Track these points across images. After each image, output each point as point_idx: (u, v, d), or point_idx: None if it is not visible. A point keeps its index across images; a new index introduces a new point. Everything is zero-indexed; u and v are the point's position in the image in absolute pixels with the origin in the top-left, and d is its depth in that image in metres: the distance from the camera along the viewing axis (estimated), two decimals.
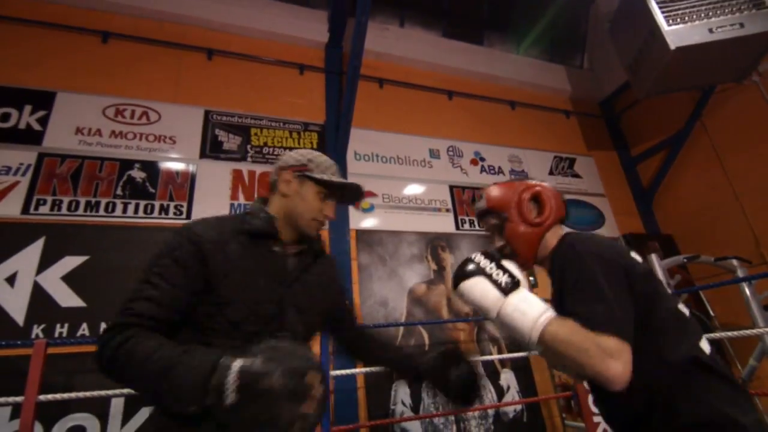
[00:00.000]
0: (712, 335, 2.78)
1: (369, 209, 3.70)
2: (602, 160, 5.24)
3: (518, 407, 3.32)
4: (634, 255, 0.96)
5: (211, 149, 3.42)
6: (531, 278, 3.74)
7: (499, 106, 4.90)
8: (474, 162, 4.39)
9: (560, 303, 0.89)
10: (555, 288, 0.97)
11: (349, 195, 1.13)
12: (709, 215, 4.44)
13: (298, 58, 4.06)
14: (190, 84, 3.59)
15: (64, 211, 2.84)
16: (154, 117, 3.35)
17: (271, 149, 3.61)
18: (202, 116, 3.50)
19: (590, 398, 2.61)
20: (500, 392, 3.33)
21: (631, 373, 0.76)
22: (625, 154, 5.39)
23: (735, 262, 3.47)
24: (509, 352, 3.50)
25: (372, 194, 3.78)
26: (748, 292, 3.27)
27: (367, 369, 2.86)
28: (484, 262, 0.92)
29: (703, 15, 3.16)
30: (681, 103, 4.68)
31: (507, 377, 3.41)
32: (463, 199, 4.11)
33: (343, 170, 3.73)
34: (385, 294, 3.39)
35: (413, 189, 3.96)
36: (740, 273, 3.43)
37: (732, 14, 3.10)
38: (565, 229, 1.08)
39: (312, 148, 3.68)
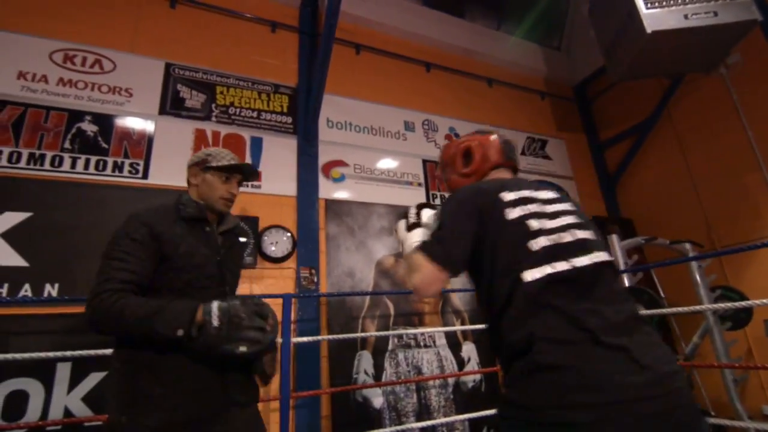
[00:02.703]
0: (662, 311, 2.94)
1: (339, 179, 3.61)
2: (572, 143, 5.33)
3: (477, 378, 3.42)
4: (502, 195, 1.01)
5: (172, 106, 3.20)
6: None
7: (476, 82, 4.85)
8: (449, 137, 4.35)
9: None
10: None
11: (247, 172, 1.44)
12: (668, 202, 4.63)
13: (270, 15, 3.82)
14: (151, 33, 3.31)
15: (3, 162, 2.58)
16: (109, 66, 3.08)
17: (238, 110, 3.42)
18: (162, 69, 3.25)
19: None
20: (461, 363, 3.41)
21: (428, 286, 0.96)
22: (594, 139, 5.51)
23: (688, 245, 3.65)
24: (471, 324, 3.57)
25: (343, 164, 3.68)
26: (697, 274, 3.46)
27: (331, 337, 2.85)
28: (411, 210, 1.24)
29: (680, 0, 3.18)
30: (650, 92, 4.79)
31: (468, 349, 3.49)
32: (435, 174, 4.08)
33: (314, 137, 3.60)
34: (353, 265, 3.35)
35: (386, 161, 3.89)
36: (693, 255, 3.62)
37: (707, 2, 3.14)
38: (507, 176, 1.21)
39: (282, 112, 3.56)
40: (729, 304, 2.61)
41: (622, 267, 3.57)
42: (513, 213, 0.97)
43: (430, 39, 4.61)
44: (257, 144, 3.41)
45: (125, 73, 3.11)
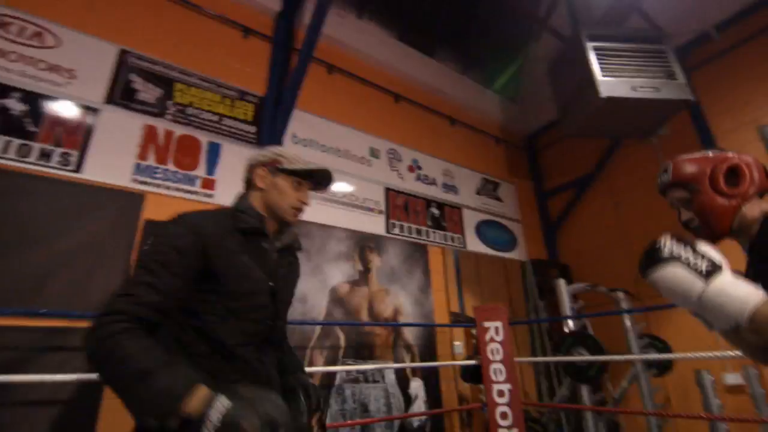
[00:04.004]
0: (605, 357, 3.07)
1: None
2: (522, 188, 5.65)
3: (423, 417, 3.31)
4: None
5: (121, 96, 2.86)
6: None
7: (440, 119, 5.00)
8: (411, 168, 4.38)
9: (762, 278, 0.82)
10: (755, 262, 0.93)
11: (321, 180, 1.22)
12: (601, 252, 5.01)
13: (244, 20, 3.65)
14: (107, 13, 2.99)
15: None
16: (51, 41, 2.71)
17: (197, 111, 3.16)
18: (115, 55, 2.92)
19: (497, 411, 2.68)
20: (408, 401, 3.29)
21: None
22: (540, 187, 5.89)
23: (621, 294, 3.93)
24: (421, 360, 3.49)
25: None
26: (628, 322, 3.72)
27: None
28: (677, 248, 0.85)
29: (629, 73, 3.57)
30: (591, 150, 5.26)
31: (416, 386, 3.39)
32: (396, 203, 4.05)
33: None
34: (306, 290, 3.14)
35: (348, 184, 3.79)
36: (624, 304, 3.90)
37: (651, 78, 3.55)
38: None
39: (246, 120, 3.36)
40: (661, 356, 2.80)
41: (568, 312, 3.74)
42: None
43: (401, 72, 4.71)
44: (215, 150, 3.15)
45: (70, 52, 2.74)
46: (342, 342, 3.15)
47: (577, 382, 3.32)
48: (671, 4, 4.03)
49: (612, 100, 3.49)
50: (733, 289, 0.78)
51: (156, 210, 2.74)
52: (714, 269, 0.81)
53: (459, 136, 5.16)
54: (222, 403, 0.76)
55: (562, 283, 3.83)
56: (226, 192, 3.05)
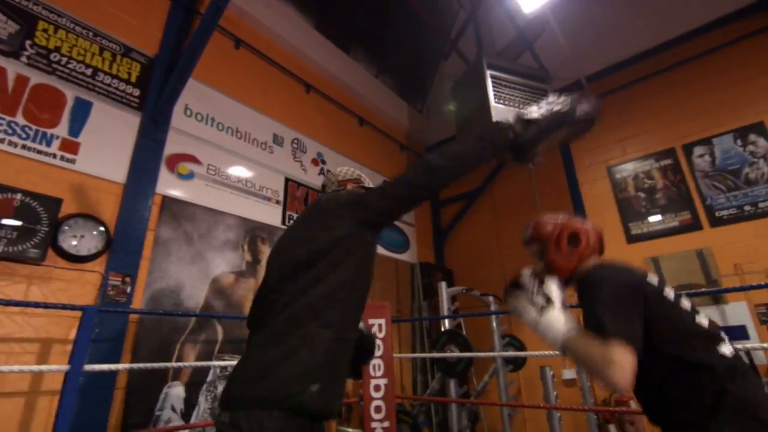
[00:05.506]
0: (471, 354, 3.39)
1: (187, 176, 3.12)
2: None
3: None
4: (650, 279, 1.13)
5: None
6: None
7: (349, 117, 5.02)
8: (315, 162, 4.31)
9: (585, 318, 1.08)
10: (580, 302, 1.17)
11: None
12: (479, 259, 5.55)
13: None
14: None
15: None
16: None
17: (65, 59, 2.66)
18: None
19: (372, 405, 2.77)
20: None
21: (631, 378, 0.91)
22: (435, 197, 6.30)
23: (491, 297, 4.40)
24: None
25: (195, 161, 3.22)
26: (495, 324, 4.18)
27: (133, 366, 2.30)
28: (529, 282, 1.16)
29: (516, 103, 4.02)
30: (482, 167, 5.79)
31: None
32: (296, 195, 3.94)
33: (165, 121, 3.05)
34: (183, 278, 2.86)
35: (246, 169, 3.57)
36: (493, 307, 4.37)
37: None
38: (600, 259, 1.29)
39: (129, 81, 2.95)
40: (517, 353, 3.20)
41: (446, 311, 4.05)
42: (669, 294, 1.09)
43: (314, 62, 4.60)
44: (83, 108, 2.69)
45: None
46: (220, 336, 2.94)
47: (447, 376, 3.62)
48: (556, 51, 4.65)
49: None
50: (554, 323, 1.08)
51: None
52: (547, 306, 1.11)
53: (366, 137, 5.24)
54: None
55: (443, 285, 4.14)
56: (92, 157, 2.62)
